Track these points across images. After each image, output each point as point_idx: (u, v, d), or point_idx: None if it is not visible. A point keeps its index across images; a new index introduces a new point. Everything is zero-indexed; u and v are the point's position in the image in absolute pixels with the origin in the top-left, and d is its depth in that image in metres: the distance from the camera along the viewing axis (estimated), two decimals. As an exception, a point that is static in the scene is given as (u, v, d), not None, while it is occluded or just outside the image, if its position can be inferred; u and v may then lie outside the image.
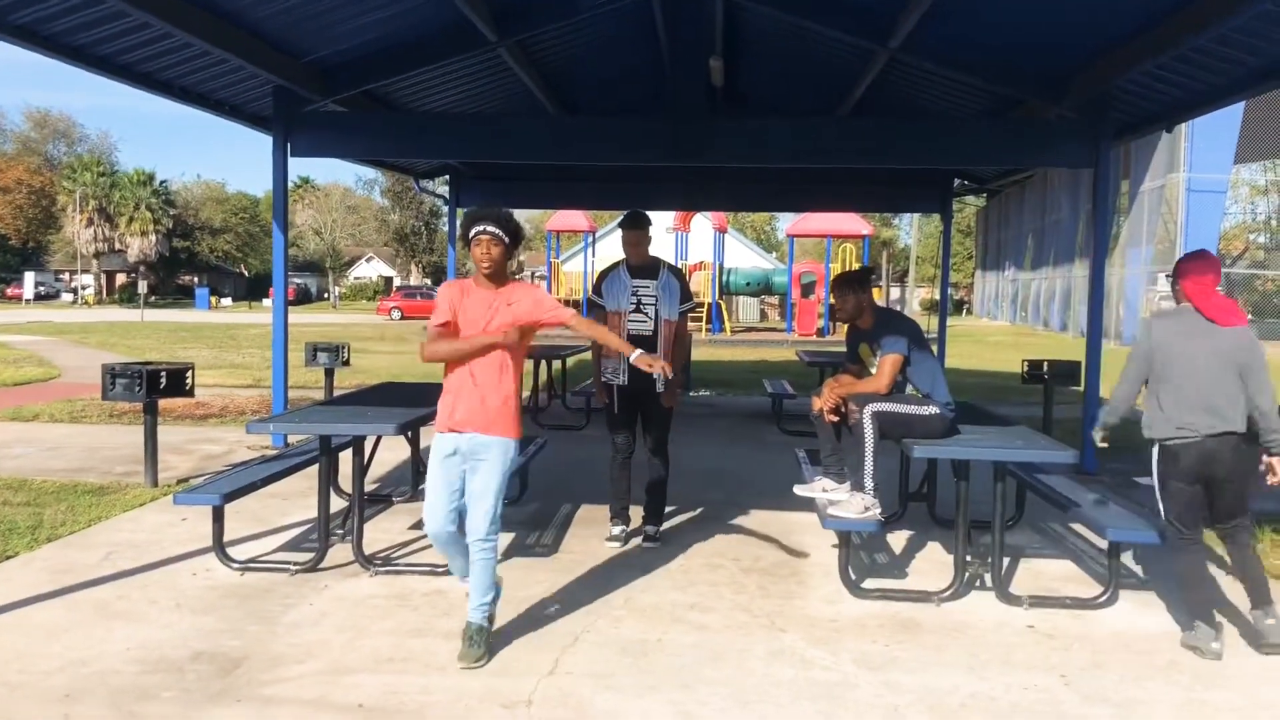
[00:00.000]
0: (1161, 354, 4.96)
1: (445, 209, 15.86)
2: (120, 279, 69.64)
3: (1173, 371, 4.92)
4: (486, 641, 4.65)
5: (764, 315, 49.05)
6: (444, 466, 4.65)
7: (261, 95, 9.86)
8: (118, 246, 64.70)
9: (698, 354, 21.43)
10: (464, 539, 4.67)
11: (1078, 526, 7.05)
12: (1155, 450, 5.12)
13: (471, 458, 4.64)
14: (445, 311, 4.65)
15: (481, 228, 4.59)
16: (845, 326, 6.20)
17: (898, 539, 6.93)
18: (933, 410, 5.59)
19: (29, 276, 64.84)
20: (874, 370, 5.75)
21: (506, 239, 4.62)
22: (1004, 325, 44.75)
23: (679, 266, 7.54)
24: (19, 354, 21.69)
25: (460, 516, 4.69)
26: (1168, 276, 5.58)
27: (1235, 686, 4.50)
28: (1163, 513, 5.09)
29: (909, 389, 5.73)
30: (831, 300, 6.25)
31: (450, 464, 4.66)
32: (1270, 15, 6.57)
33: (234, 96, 9.97)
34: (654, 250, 6.76)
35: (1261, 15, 6.57)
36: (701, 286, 35.84)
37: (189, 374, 8.49)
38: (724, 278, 37.39)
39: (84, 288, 66.24)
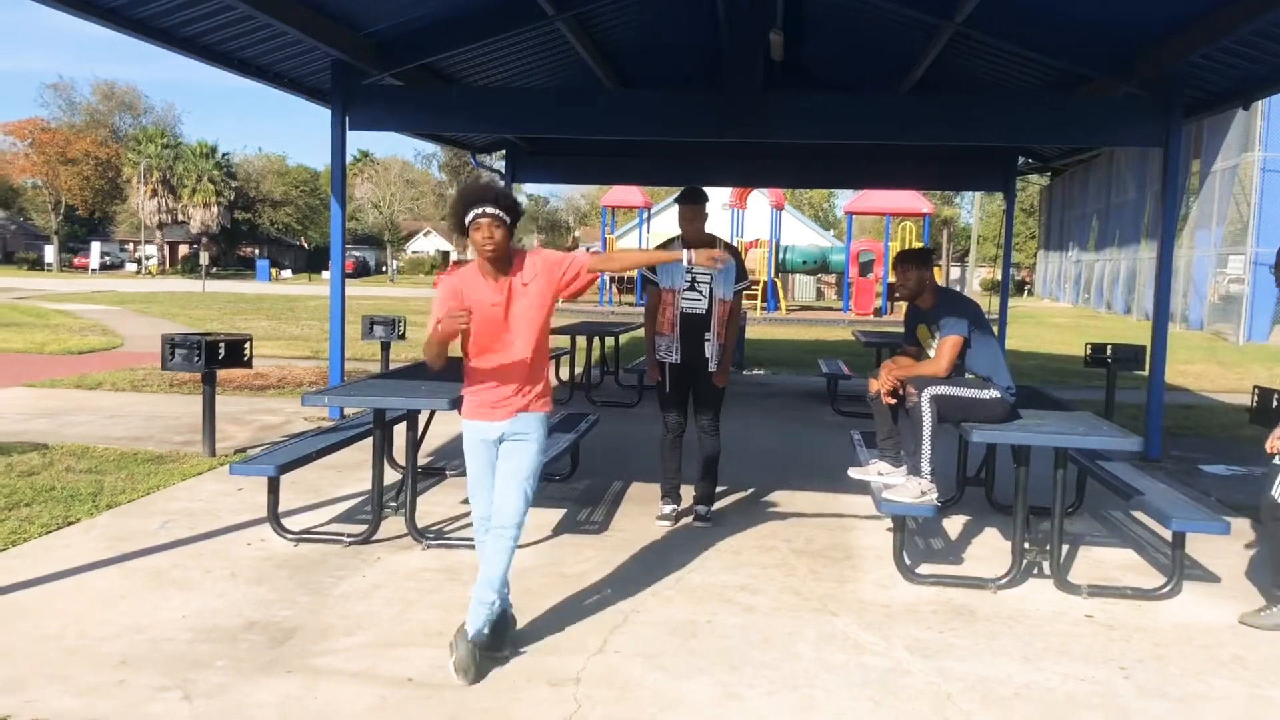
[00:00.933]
0: None
1: (502, 184, 15.88)
2: (183, 250, 70.90)
3: None
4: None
5: (820, 294, 48.63)
6: (479, 453, 4.45)
7: (321, 69, 9.90)
8: (180, 218, 65.78)
9: (753, 332, 21.31)
10: None
11: (1140, 515, 6.88)
12: None
13: (510, 439, 4.41)
14: (434, 319, 4.28)
15: (480, 209, 4.17)
16: (903, 306, 6.08)
17: (954, 524, 6.82)
18: (993, 394, 5.47)
19: (95, 246, 66.20)
20: (932, 352, 5.64)
21: (508, 219, 4.22)
22: (1066, 307, 43.97)
23: (734, 245, 7.46)
24: (84, 323, 22.14)
25: None
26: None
27: (1303, 684, 4.36)
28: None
29: (968, 373, 5.61)
30: (892, 277, 6.14)
31: (485, 450, 4.45)
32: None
33: (294, 70, 10.02)
34: (710, 227, 6.67)
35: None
36: (758, 264, 35.59)
37: (247, 345, 8.57)
38: (780, 255, 37.07)
39: (148, 258, 67.49)
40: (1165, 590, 5.40)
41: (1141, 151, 31.99)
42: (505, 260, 4.29)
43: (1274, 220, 25.80)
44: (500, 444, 4.42)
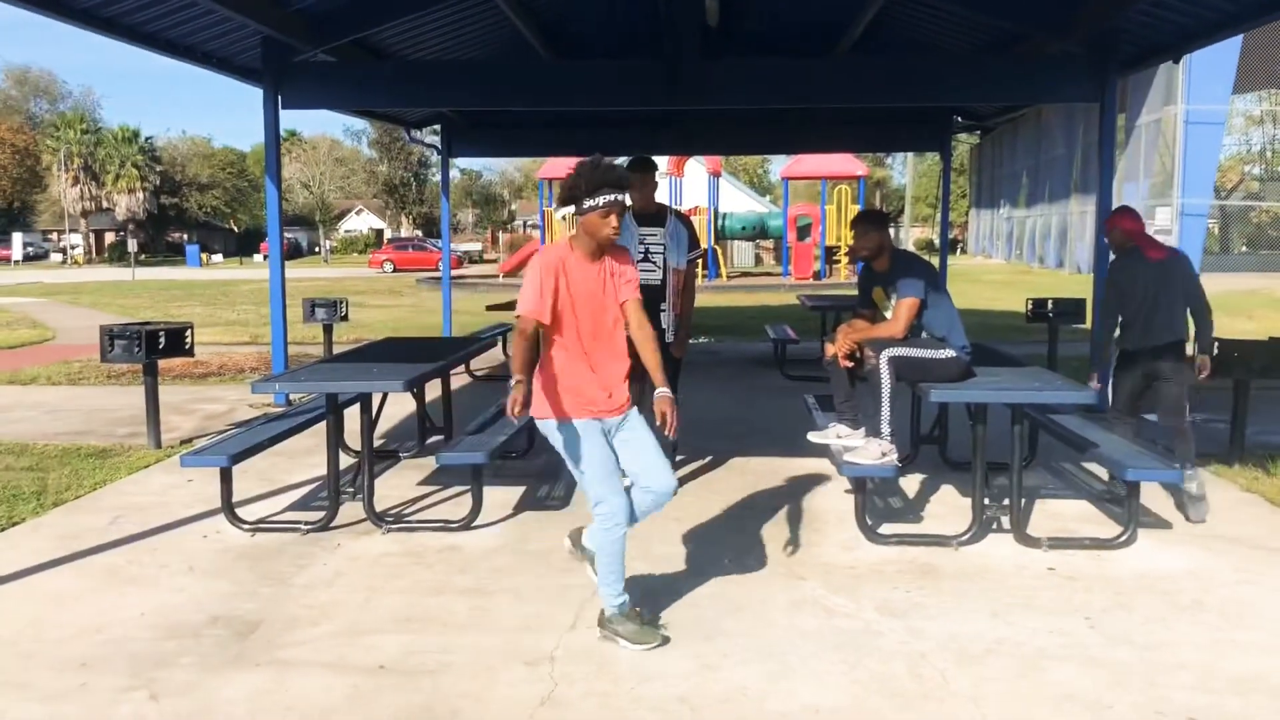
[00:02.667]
0: None
1: (435, 158, 15.65)
2: (109, 238, 69.09)
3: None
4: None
5: (759, 259, 48.81)
6: (599, 441, 4.19)
7: (250, 46, 9.64)
8: (105, 205, 64.12)
9: (697, 300, 21.32)
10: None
11: (1091, 465, 7.00)
12: None
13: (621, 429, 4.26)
14: (542, 301, 4.01)
15: (612, 196, 3.91)
16: (842, 269, 6.08)
17: (910, 483, 6.89)
18: (949, 354, 5.50)
19: (17, 237, 64.30)
20: (889, 314, 5.66)
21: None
22: (999, 263, 44.60)
23: (684, 212, 7.40)
24: (11, 316, 21.52)
25: None
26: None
27: (1264, 625, 4.47)
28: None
29: (925, 334, 5.64)
30: (850, 240, 6.16)
31: (601, 436, 4.21)
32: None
33: (222, 49, 9.75)
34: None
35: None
36: (698, 231, 35.63)
37: (188, 333, 8.38)
38: (719, 222, 37.11)
39: (73, 247, 65.72)
40: (1122, 539, 5.50)
41: (1068, 107, 32.40)
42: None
43: (1197, 172, 26.29)
44: (612, 434, 4.24)
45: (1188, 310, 6.22)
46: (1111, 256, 6.48)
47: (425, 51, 11.78)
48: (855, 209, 31.86)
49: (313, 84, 9.79)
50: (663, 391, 4.11)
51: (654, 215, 6.43)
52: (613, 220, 3.93)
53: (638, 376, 5.65)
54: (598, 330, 4.14)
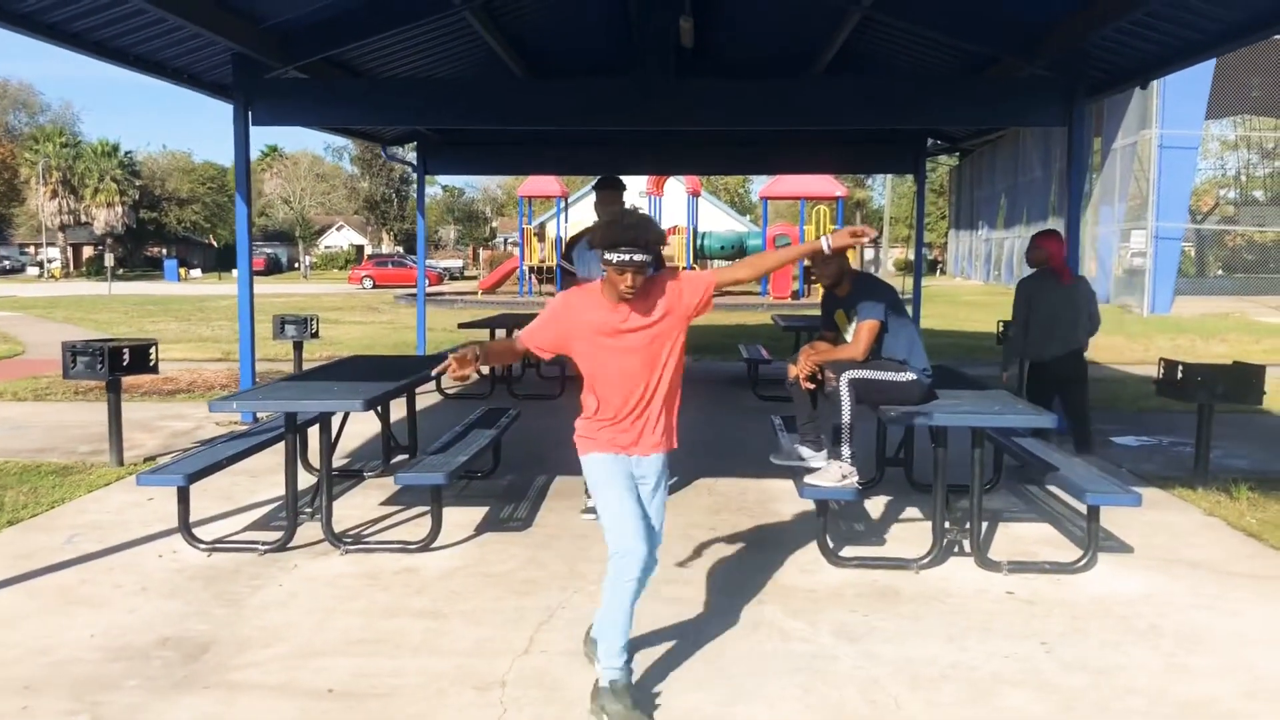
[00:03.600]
0: None
1: (416, 176, 15.63)
2: (87, 251, 68.67)
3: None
4: None
5: (738, 278, 48.86)
6: (630, 487, 3.94)
7: (221, 63, 9.61)
8: (83, 219, 63.74)
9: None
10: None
11: (1054, 489, 7.01)
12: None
13: (650, 476, 4.04)
14: (542, 333, 4.01)
15: (628, 256, 3.68)
16: (820, 289, 6.08)
17: (875, 505, 6.88)
18: (910, 377, 5.51)
19: (-7, 250, 63.87)
20: (849, 337, 5.66)
21: (651, 260, 3.75)
22: (977, 284, 44.85)
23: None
24: (-17, 330, 21.33)
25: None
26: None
27: (1217, 650, 4.47)
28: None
29: (885, 356, 5.64)
30: (808, 264, 6.16)
31: (632, 484, 3.97)
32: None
33: (192, 65, 9.71)
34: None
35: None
36: (676, 251, 35.63)
37: (153, 350, 8.30)
38: (698, 241, 37.22)
39: (50, 261, 65.24)
40: (1081, 563, 5.50)
41: (1045, 131, 32.68)
42: (643, 293, 3.86)
43: (1172, 195, 26.57)
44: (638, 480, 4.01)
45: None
46: (1029, 271, 7.60)
47: (399, 69, 11.78)
48: (833, 229, 31.97)
49: (284, 101, 9.76)
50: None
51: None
52: (627, 279, 3.73)
53: None
54: (634, 379, 3.90)
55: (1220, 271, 38.29)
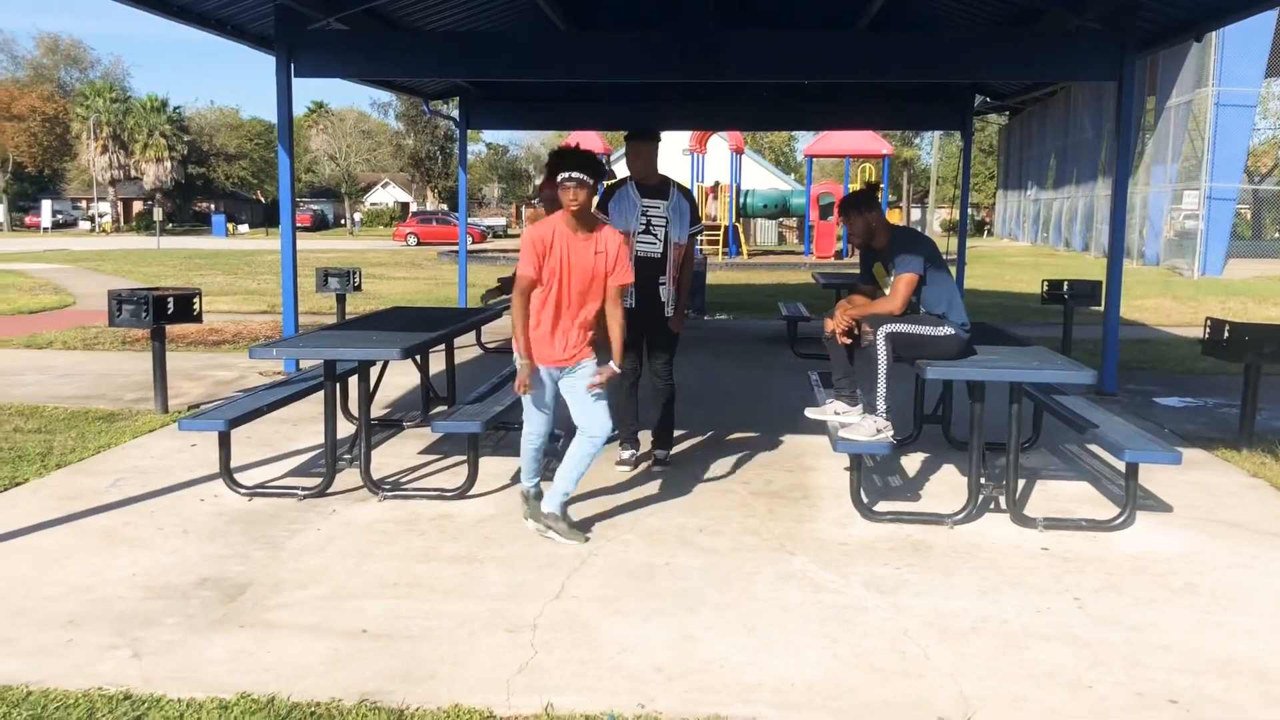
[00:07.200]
0: None
1: (459, 132, 15.62)
2: (137, 206, 69.57)
3: None
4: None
5: (782, 238, 48.62)
6: (541, 387, 5.18)
7: (264, 14, 9.63)
8: (133, 174, 64.53)
9: (714, 277, 21.27)
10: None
11: (1095, 448, 6.94)
12: None
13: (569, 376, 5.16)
14: (533, 263, 4.91)
15: (567, 174, 4.84)
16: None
17: (911, 462, 6.85)
18: (947, 331, 5.45)
19: (46, 205, 64.76)
20: (888, 290, 5.61)
21: (591, 181, 4.87)
22: (1025, 246, 44.23)
23: (688, 187, 7.27)
24: (36, 282, 21.72)
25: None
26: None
27: (1254, 609, 4.41)
28: None
29: (923, 310, 5.59)
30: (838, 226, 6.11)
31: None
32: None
33: (236, 16, 9.73)
34: (670, 172, 6.57)
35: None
36: (719, 209, 35.42)
37: (196, 299, 8.41)
38: (741, 200, 36.93)
39: (101, 215, 66.18)
40: (1119, 521, 5.45)
41: (1097, 89, 32.03)
42: (589, 219, 4.98)
43: (1227, 155, 25.96)
44: (559, 379, 5.18)
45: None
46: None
47: (440, 22, 11.75)
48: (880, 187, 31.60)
49: (326, 53, 9.76)
50: (610, 365, 5.16)
51: (656, 187, 6.38)
52: (569, 193, 4.86)
53: (637, 351, 5.94)
54: (574, 297, 5.01)
55: (1279, 234, 37.44)
